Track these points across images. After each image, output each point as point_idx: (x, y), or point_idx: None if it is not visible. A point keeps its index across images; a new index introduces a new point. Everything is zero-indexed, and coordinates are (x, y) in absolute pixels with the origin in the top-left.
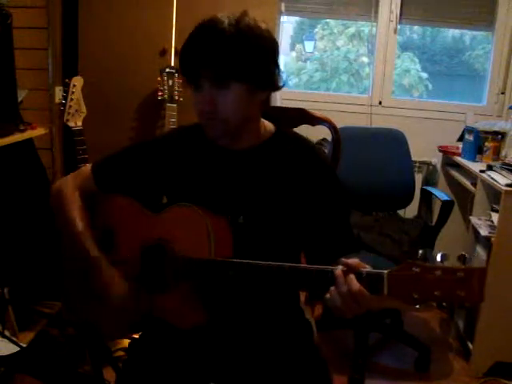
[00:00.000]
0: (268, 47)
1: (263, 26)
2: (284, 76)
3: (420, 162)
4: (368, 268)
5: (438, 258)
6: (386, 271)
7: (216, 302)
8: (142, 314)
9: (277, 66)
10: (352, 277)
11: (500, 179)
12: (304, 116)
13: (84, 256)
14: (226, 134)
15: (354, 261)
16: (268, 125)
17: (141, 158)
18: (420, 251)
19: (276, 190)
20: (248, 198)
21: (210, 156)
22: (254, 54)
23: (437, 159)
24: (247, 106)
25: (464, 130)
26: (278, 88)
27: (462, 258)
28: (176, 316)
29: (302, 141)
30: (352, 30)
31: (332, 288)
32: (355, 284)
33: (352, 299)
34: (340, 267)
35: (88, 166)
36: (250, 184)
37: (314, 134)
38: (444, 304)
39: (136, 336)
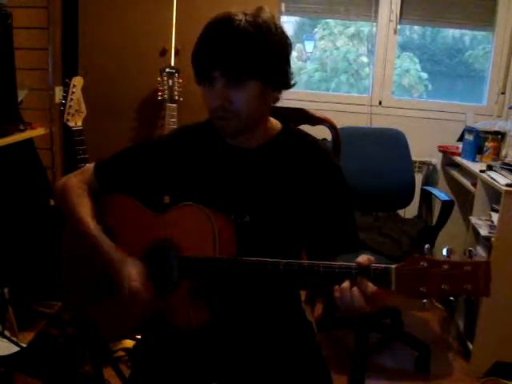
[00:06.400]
0: (283, 45)
1: (278, 23)
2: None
3: (420, 162)
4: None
5: (444, 252)
6: (393, 266)
7: (219, 303)
8: (147, 316)
9: (289, 64)
10: (363, 278)
11: (500, 179)
12: (304, 116)
13: (94, 246)
14: (238, 132)
15: (363, 258)
16: (274, 122)
17: (144, 158)
18: (426, 246)
19: (283, 188)
20: (255, 196)
21: (217, 155)
22: (271, 52)
23: (437, 159)
24: (260, 104)
25: (464, 130)
26: (289, 87)
27: (468, 253)
28: (180, 317)
29: (308, 138)
30: (352, 29)
31: (343, 289)
32: (368, 285)
33: (366, 299)
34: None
35: (91, 165)
36: (257, 183)
37: (313, 134)
38: (452, 298)
39: (138, 336)
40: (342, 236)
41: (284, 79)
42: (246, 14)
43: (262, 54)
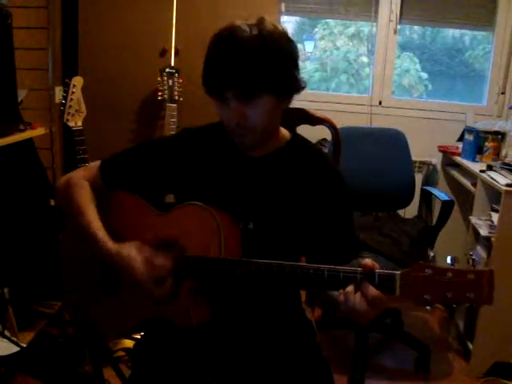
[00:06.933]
0: (290, 52)
1: (281, 29)
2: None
3: (420, 162)
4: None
5: (448, 260)
6: (398, 272)
7: (220, 302)
8: (149, 315)
9: (298, 68)
10: (367, 283)
11: (500, 179)
12: (304, 116)
13: (96, 246)
14: (255, 145)
15: (367, 262)
16: (284, 131)
17: (151, 157)
18: (430, 254)
19: (286, 197)
20: (259, 204)
21: (223, 161)
22: (280, 64)
23: (437, 159)
24: (275, 114)
25: (464, 130)
26: (301, 91)
27: (472, 262)
28: (180, 316)
29: (313, 148)
30: (352, 29)
31: (347, 293)
32: (371, 290)
33: (368, 304)
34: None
35: (97, 162)
36: (262, 191)
37: (314, 133)
38: (454, 305)
39: (138, 336)
40: (342, 245)
41: (295, 86)
42: (250, 27)
43: (271, 69)
